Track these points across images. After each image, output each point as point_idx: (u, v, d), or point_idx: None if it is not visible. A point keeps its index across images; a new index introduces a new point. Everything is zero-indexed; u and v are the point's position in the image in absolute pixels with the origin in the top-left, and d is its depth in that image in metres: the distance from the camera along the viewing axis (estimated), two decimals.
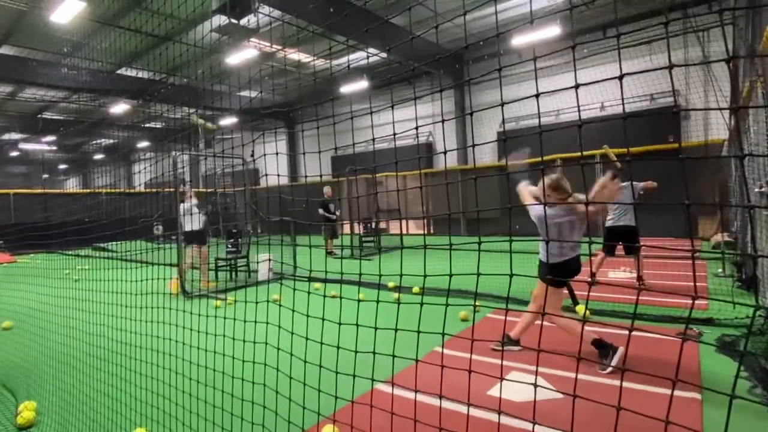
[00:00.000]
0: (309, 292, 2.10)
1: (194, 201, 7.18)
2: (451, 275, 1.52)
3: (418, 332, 1.61)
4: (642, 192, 5.93)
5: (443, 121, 1.59)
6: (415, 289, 6.00)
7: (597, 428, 2.35)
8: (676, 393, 2.04)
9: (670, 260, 7.04)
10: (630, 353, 3.52)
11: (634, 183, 5.69)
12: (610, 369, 3.22)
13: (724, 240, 7.24)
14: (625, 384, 2.97)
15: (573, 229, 3.43)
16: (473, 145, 1.59)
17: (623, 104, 1.20)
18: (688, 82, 11.39)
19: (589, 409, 2.48)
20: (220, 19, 11.09)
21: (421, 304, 1.62)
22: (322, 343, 1.85)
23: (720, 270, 6.58)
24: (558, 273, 3.36)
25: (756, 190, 4.43)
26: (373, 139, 1.89)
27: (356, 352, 1.73)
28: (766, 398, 2.80)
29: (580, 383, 2.97)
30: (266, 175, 10.23)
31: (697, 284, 5.83)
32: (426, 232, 15.73)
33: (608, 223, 5.84)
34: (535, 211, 3.40)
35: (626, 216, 5.65)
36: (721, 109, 1.30)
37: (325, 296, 2.08)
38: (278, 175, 2.70)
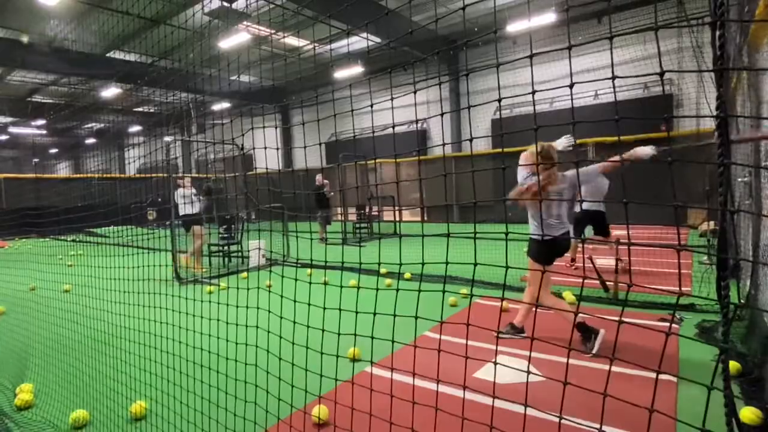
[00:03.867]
0: (296, 279, 2.17)
1: (192, 190, 7.40)
2: (447, 263, 1.58)
3: (394, 315, 1.68)
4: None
5: (442, 114, 1.63)
6: (407, 275, 6.10)
7: (577, 408, 2.46)
8: (652, 376, 2.13)
9: (657, 248, 7.16)
10: (612, 338, 3.63)
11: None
12: (593, 353, 3.31)
13: (710, 229, 7.37)
14: (604, 367, 3.09)
15: (561, 204, 3.47)
16: (470, 138, 1.64)
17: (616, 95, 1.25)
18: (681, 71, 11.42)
19: (569, 391, 2.58)
20: (212, 3, 10.93)
21: (419, 290, 1.69)
22: (308, 327, 1.92)
23: (705, 258, 6.72)
24: (546, 250, 3.42)
25: (739, 180, 4.53)
26: (373, 131, 1.93)
27: (339, 334, 1.81)
28: (740, 381, 2.92)
29: (559, 366, 3.08)
30: (255, 168, 10.22)
31: (682, 272, 5.96)
32: (420, 219, 15.83)
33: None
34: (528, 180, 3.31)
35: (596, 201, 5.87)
36: (705, 71, 1.35)
37: (311, 283, 2.15)
38: (266, 168, 2.74)
